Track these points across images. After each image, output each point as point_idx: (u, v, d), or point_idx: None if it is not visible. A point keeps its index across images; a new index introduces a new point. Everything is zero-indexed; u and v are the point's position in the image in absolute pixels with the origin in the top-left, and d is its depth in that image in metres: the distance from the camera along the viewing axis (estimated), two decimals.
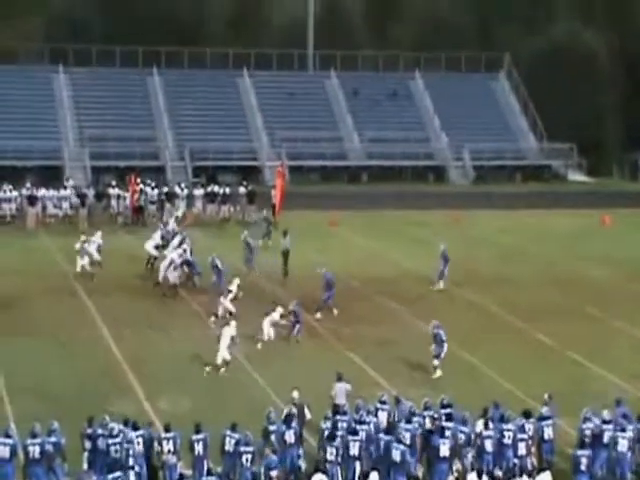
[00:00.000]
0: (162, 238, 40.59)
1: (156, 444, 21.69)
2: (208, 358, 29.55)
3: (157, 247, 40.06)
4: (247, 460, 21.22)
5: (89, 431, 21.75)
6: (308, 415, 23.56)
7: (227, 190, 53.93)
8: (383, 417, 23.13)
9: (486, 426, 22.38)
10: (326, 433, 21.98)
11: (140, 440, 21.54)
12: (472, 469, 21.49)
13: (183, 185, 54.99)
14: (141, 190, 52.46)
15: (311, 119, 72.47)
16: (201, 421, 22.00)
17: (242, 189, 54.47)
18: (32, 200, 51.16)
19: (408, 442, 21.85)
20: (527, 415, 23.03)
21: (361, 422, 22.39)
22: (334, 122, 73.28)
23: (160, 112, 70.17)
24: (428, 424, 22.78)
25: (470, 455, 22.18)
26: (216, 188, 54.12)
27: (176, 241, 39.18)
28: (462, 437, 22.25)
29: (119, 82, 71.27)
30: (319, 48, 76.10)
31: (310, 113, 72.99)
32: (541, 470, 21.31)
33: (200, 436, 21.63)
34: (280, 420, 22.47)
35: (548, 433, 22.84)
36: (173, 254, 37.54)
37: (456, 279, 39.63)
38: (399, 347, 31.69)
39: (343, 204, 58.39)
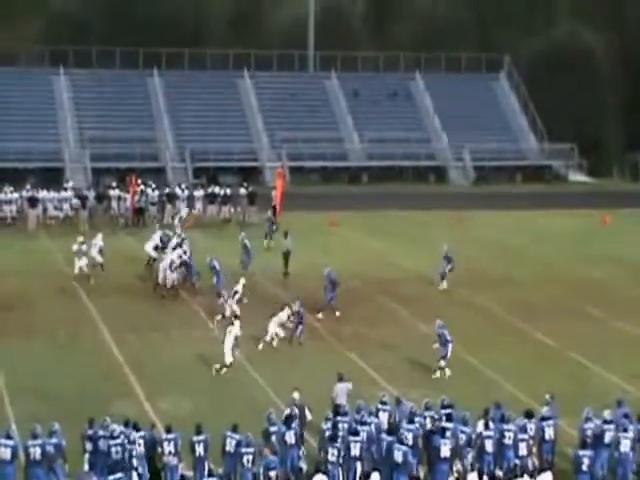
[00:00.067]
0: (161, 240, 40.60)
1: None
2: (208, 359, 29.58)
3: (156, 248, 40.05)
4: (248, 461, 21.23)
5: (90, 432, 21.75)
6: (309, 416, 23.56)
7: (228, 191, 53.91)
8: (384, 418, 23.13)
9: (486, 426, 22.38)
10: (327, 434, 21.98)
11: (141, 441, 21.56)
12: (472, 469, 21.51)
13: (184, 186, 54.97)
14: (142, 191, 52.44)
15: (311, 120, 72.51)
16: (202, 422, 21.99)
17: (242, 190, 54.44)
18: (33, 202, 51.14)
19: (411, 443, 21.85)
20: (529, 415, 23.04)
21: (362, 423, 22.39)
22: (334, 123, 73.33)
23: (160, 113, 70.21)
24: (429, 425, 22.78)
25: (470, 456, 22.18)
26: (217, 189, 54.10)
27: (174, 242, 39.13)
28: (463, 437, 22.25)
29: (119, 83, 71.34)
30: (319, 49, 76.18)
31: (310, 114, 73.04)
32: (542, 470, 21.33)
33: (201, 437, 21.63)
34: (281, 421, 22.47)
35: (549, 433, 22.83)
36: (173, 255, 37.52)
37: (457, 279, 39.60)
38: (400, 348, 31.68)
39: (344, 205, 58.40)
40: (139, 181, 53.04)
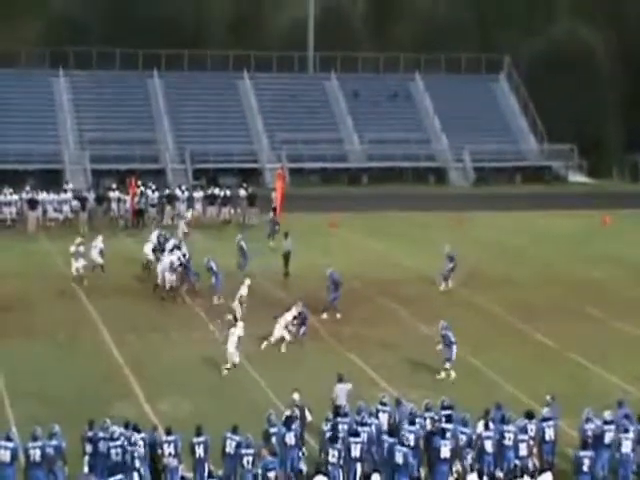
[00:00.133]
0: (158, 240, 40.60)
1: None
2: (208, 360, 29.58)
3: (154, 250, 40.03)
4: (248, 462, 21.22)
5: (90, 434, 21.75)
6: (309, 417, 23.55)
7: (227, 192, 53.90)
8: (384, 419, 23.12)
9: (486, 427, 22.38)
10: (327, 435, 21.97)
11: (141, 443, 21.54)
12: (472, 470, 21.50)
13: (183, 187, 54.95)
14: (141, 193, 52.43)
15: (311, 121, 72.50)
16: (202, 423, 21.99)
17: (242, 191, 54.43)
18: (33, 204, 51.12)
19: (412, 444, 21.85)
20: (530, 416, 23.03)
21: (363, 424, 22.38)
22: (334, 124, 73.32)
23: (160, 115, 70.21)
24: (429, 426, 22.77)
25: (470, 456, 22.17)
26: (216, 190, 54.08)
27: (171, 244, 39.05)
28: (463, 438, 22.24)
29: (119, 85, 71.36)
30: (319, 50, 76.17)
31: (310, 115, 73.02)
32: (542, 471, 21.33)
33: (201, 439, 21.62)
34: (281, 422, 22.45)
35: (549, 434, 22.82)
36: (172, 257, 37.48)
37: (458, 280, 39.60)
38: (400, 348, 31.68)
39: (343, 206, 58.41)
40: (139, 183, 53.05)
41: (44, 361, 30.06)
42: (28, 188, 53.23)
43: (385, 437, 22.20)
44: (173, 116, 70.28)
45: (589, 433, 22.59)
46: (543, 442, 22.78)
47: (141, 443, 21.43)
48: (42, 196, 51.80)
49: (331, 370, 26.71)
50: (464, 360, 30.07)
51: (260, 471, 20.91)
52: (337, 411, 23.21)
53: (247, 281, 34.37)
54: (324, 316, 34.70)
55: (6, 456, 20.88)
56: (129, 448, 21.10)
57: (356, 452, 21.70)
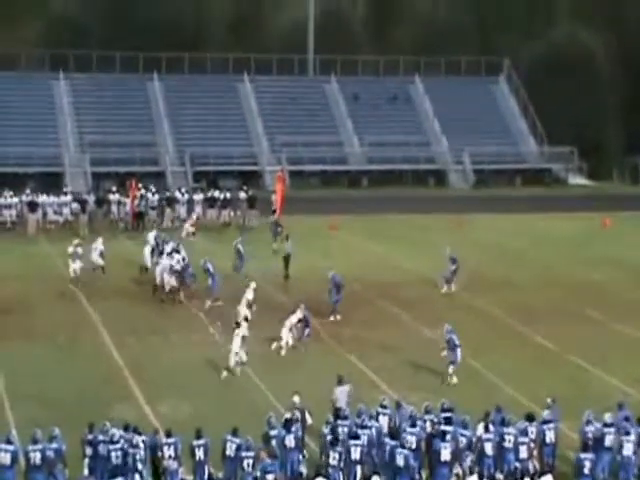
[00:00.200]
0: (155, 241, 40.59)
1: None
2: (208, 362, 29.56)
3: (152, 252, 40.03)
4: (248, 465, 21.18)
5: (90, 437, 21.72)
6: (309, 419, 23.53)
7: (227, 195, 53.92)
8: (384, 421, 23.11)
9: (486, 429, 22.36)
10: (328, 438, 21.95)
11: (142, 445, 21.51)
12: (471, 472, 21.48)
13: (183, 190, 54.98)
14: (141, 195, 52.45)
15: (311, 124, 72.54)
16: (202, 426, 21.96)
17: (242, 194, 54.45)
18: (33, 206, 51.14)
19: (414, 446, 21.83)
20: (530, 418, 23.01)
21: (363, 426, 22.36)
22: (334, 126, 73.35)
23: (160, 117, 70.24)
24: (429, 428, 22.75)
25: (470, 459, 22.14)
26: (216, 193, 54.10)
27: (169, 247, 39.00)
28: (463, 441, 22.22)
29: (119, 88, 71.38)
30: (319, 53, 76.20)
31: (310, 118, 73.06)
32: (543, 473, 21.32)
33: (201, 441, 21.57)
34: (281, 425, 22.44)
35: (550, 436, 22.79)
36: (172, 260, 37.44)
37: (458, 283, 39.58)
38: (400, 351, 31.66)
39: (343, 208, 58.40)
40: (139, 185, 53.06)
41: (44, 363, 30.06)
42: (28, 191, 53.25)
43: (386, 440, 22.18)
44: (173, 119, 70.31)
45: (589, 435, 22.56)
46: (543, 445, 22.74)
47: (142, 445, 21.42)
48: (42, 199, 51.83)
49: (331, 372, 26.67)
50: (464, 362, 30.01)
51: (259, 474, 20.91)
52: (337, 414, 23.20)
53: (252, 284, 34.04)
54: (332, 318, 34.72)
55: (6, 459, 20.84)
56: (130, 451, 21.10)
57: (356, 455, 21.68)
